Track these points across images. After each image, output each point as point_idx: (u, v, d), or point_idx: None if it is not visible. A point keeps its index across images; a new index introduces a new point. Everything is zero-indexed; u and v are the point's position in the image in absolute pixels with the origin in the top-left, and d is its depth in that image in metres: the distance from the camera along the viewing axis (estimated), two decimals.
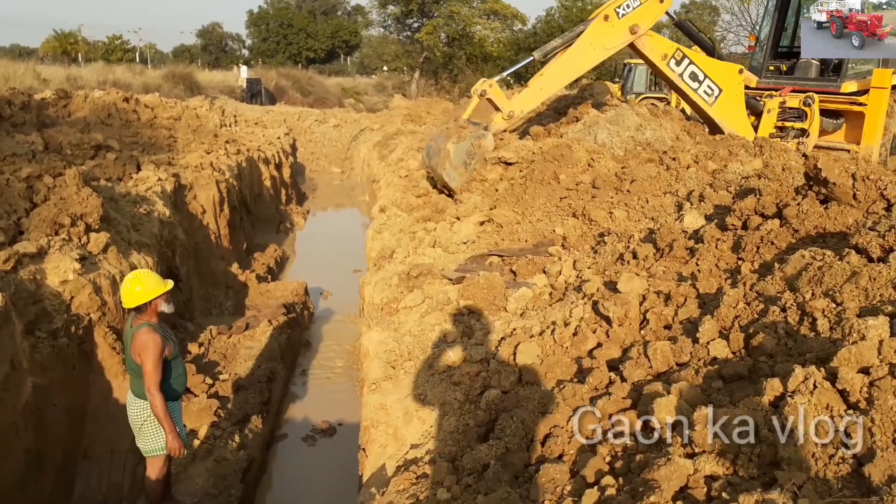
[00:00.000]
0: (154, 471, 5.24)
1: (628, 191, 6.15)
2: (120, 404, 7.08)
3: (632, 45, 9.25)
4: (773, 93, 10.76)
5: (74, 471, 6.72)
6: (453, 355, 4.24)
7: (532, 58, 9.33)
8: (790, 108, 10.62)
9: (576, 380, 3.68)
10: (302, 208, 19.77)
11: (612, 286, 4.60)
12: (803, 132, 10.46)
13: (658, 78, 32.77)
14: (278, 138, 20.64)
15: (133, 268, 7.98)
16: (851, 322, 2.83)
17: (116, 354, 7.10)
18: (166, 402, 4.97)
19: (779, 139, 9.80)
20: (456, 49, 38.82)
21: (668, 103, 15.08)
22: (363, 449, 4.64)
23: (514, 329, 4.51)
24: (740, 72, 9.70)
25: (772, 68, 11.53)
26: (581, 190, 6.61)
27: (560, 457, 3.16)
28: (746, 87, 11.16)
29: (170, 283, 5.05)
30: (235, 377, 8.00)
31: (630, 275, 4.28)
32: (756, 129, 10.07)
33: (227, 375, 8.05)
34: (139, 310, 4.97)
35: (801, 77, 11.13)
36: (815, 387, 2.47)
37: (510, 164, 8.96)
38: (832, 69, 11.02)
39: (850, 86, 10.45)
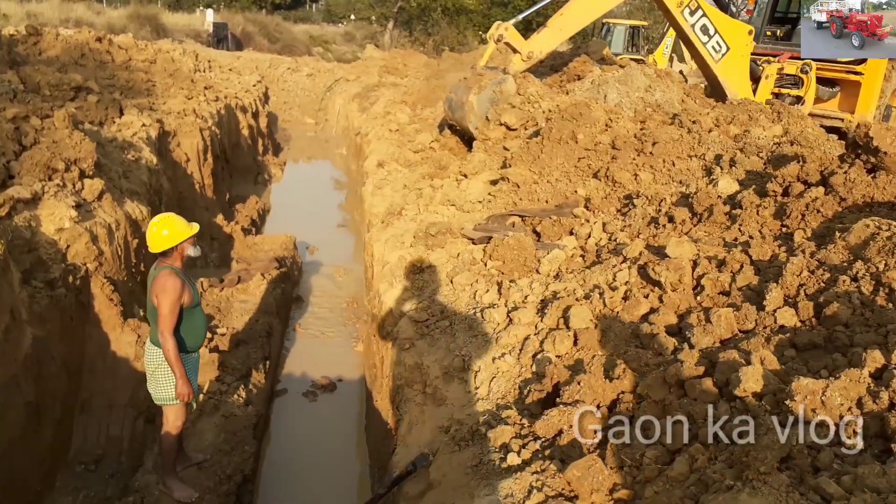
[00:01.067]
0: (169, 423, 5.08)
1: (651, 153, 6.07)
2: (118, 357, 6.88)
3: None
4: (771, 58, 10.75)
5: (72, 424, 6.54)
6: (498, 316, 4.15)
7: None
8: (787, 75, 10.63)
9: (633, 345, 3.64)
10: (278, 159, 19.30)
11: (654, 250, 4.55)
12: (799, 99, 10.50)
13: (635, 40, 32.66)
14: (254, 86, 20.00)
15: (129, 217, 7.68)
16: None
17: (114, 306, 6.86)
18: (182, 352, 4.82)
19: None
20: (431, 1, 37.94)
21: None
22: (396, 407, 4.55)
23: (555, 292, 4.44)
24: (749, 33, 9.65)
25: (769, 34, 11.51)
26: (600, 150, 6.51)
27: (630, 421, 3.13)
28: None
29: (196, 227, 4.84)
30: (233, 331, 7.80)
31: (679, 239, 4.22)
32: (753, 93, 10.07)
33: (224, 329, 7.84)
34: (165, 254, 4.76)
35: (800, 43, 11.11)
36: None
37: (512, 129, 8.82)
38: None
39: None
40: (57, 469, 6.19)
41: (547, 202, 6.13)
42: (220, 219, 11.60)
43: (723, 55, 9.19)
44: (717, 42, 9.07)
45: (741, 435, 2.62)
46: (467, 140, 9.01)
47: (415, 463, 3.63)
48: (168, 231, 4.70)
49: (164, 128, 11.02)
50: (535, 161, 6.57)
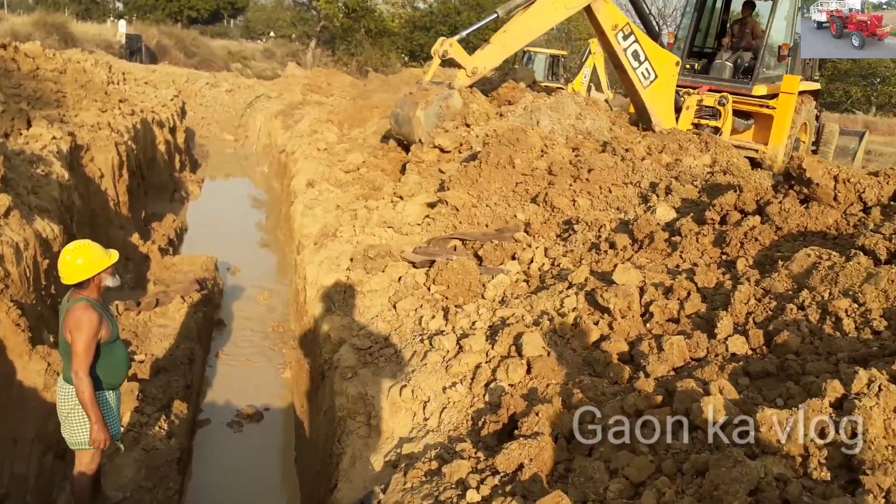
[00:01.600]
0: (83, 465, 4.70)
1: (587, 179, 6.14)
2: (25, 387, 6.36)
3: (587, 9, 9.34)
4: (690, 90, 11.19)
5: None
6: (447, 343, 4.05)
7: (495, 15, 9.29)
8: (706, 106, 11.08)
9: (587, 372, 3.60)
10: (196, 176, 18.63)
11: (599, 276, 4.56)
12: (717, 130, 10.95)
13: (555, 69, 33.56)
14: (171, 100, 19.31)
15: (39, 236, 7.16)
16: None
17: (21, 331, 6.35)
18: (99, 390, 4.46)
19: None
20: (355, 21, 37.85)
21: None
22: (337, 440, 4.35)
23: (504, 318, 4.37)
24: (676, 64, 10.01)
25: (688, 66, 11.99)
26: (537, 176, 6.55)
27: (589, 454, 3.07)
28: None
29: (115, 255, 4.51)
30: (153, 358, 7.37)
31: (624, 266, 4.24)
32: (676, 122, 10.45)
33: (142, 356, 7.40)
34: (80, 285, 4.41)
35: (716, 77, 11.64)
36: (880, 389, 2.50)
37: (446, 151, 8.81)
38: (743, 72, 11.61)
39: (760, 89, 11.05)
40: None
41: (487, 226, 6.10)
42: (135, 238, 11.03)
43: (651, 82, 9.51)
44: (647, 69, 9.39)
45: (707, 466, 2.60)
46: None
47: (363, 501, 3.45)
48: (83, 260, 4.36)
49: (77, 141, 10.41)
50: (474, 185, 6.54)
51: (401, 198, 7.60)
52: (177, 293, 9.25)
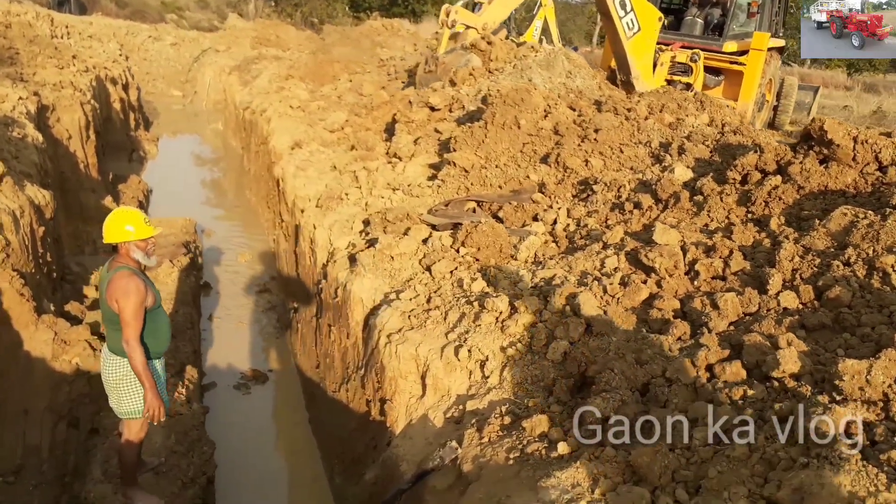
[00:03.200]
0: (132, 433, 4.70)
1: (595, 139, 6.28)
2: (33, 358, 6.25)
3: None
4: (663, 46, 11.39)
5: None
6: (501, 304, 4.18)
7: None
8: (678, 63, 11.32)
9: (644, 330, 3.81)
10: (150, 135, 18.03)
11: (634, 237, 4.75)
12: (689, 87, 11.22)
13: (506, 21, 33.27)
14: (120, 55, 18.49)
15: (32, 202, 6.91)
16: None
17: (25, 301, 6.21)
18: (147, 359, 4.46)
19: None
20: None
21: None
22: (388, 399, 4.48)
23: (545, 279, 4.53)
24: (659, 19, 10.18)
25: None
26: (543, 136, 6.65)
27: (664, 406, 3.29)
28: None
29: (151, 230, 4.45)
30: None
31: (664, 226, 4.44)
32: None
33: None
34: (118, 251, 4.36)
35: (687, 34, 11.87)
36: None
37: (436, 109, 8.81)
38: (713, 28, 11.87)
39: (731, 46, 11.34)
40: None
41: (500, 187, 6.20)
42: (108, 200, 10.71)
43: (634, 33, 9.66)
44: (631, 20, 9.54)
45: (793, 413, 2.84)
46: None
47: (441, 456, 3.60)
48: (133, 227, 4.31)
49: (41, 101, 9.95)
50: (481, 145, 6.61)
51: (399, 158, 7.60)
52: (163, 257, 9.08)
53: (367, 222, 6.32)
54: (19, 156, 7.63)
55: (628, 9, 9.51)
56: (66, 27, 19.02)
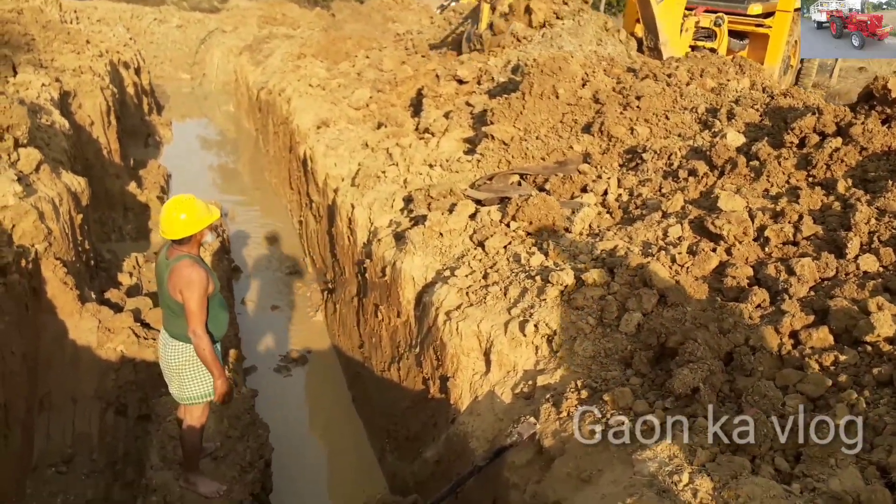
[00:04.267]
0: (194, 418, 4.68)
1: (638, 107, 6.16)
2: (79, 346, 6.25)
3: None
4: (687, 12, 11.18)
5: (33, 424, 5.93)
6: (566, 278, 4.11)
7: None
8: (702, 28, 11.13)
9: (720, 298, 3.74)
10: (163, 119, 17.93)
11: (695, 204, 4.67)
12: (713, 51, 11.02)
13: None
14: (130, 39, 18.33)
15: (69, 189, 6.86)
16: None
17: (69, 290, 6.20)
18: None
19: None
20: None
21: None
22: (451, 377, 4.44)
23: (605, 250, 4.46)
24: None
25: None
26: (583, 105, 6.54)
27: (749, 374, 3.23)
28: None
29: (217, 212, 4.40)
30: None
31: (729, 192, 4.35)
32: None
33: None
34: (180, 241, 4.31)
35: None
36: None
37: (464, 82, 8.69)
38: None
39: (756, 8, 11.13)
40: (24, 475, 5.61)
41: (543, 159, 6.11)
42: (133, 186, 10.67)
43: None
44: None
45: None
46: None
47: (520, 432, 3.56)
48: (188, 215, 4.24)
49: (63, 87, 9.85)
50: (519, 117, 6.50)
51: (432, 134, 7.50)
52: None
53: (408, 199, 6.25)
54: (51, 143, 7.56)
55: None
56: (75, 12, 18.84)
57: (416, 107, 9.41)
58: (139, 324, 6.54)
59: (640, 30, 10.78)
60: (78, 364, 6.23)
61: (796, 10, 11.78)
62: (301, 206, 10.34)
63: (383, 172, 6.73)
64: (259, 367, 7.46)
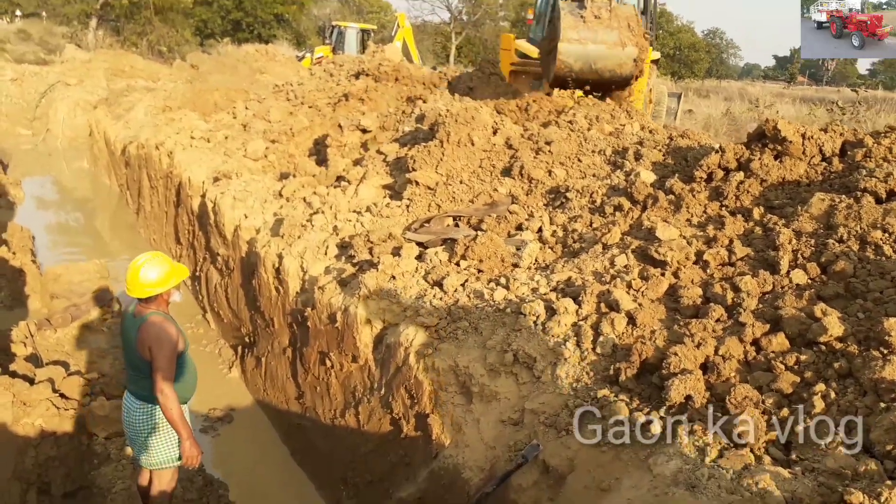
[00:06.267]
0: (163, 483, 4.51)
1: (550, 151, 6.71)
2: None
3: None
4: None
5: None
6: (539, 308, 4.43)
7: None
8: None
9: (681, 316, 4.21)
10: (11, 178, 16.57)
11: (631, 235, 5.18)
12: (586, 94, 12.05)
13: (365, 43, 33.54)
14: None
15: None
16: None
17: None
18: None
19: None
20: None
21: None
22: (430, 413, 4.58)
23: (560, 281, 4.84)
24: None
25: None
26: (497, 151, 6.99)
27: (726, 380, 3.68)
28: (528, 58, 12.52)
29: (186, 271, 4.33)
30: (111, 377, 6.85)
31: (665, 224, 4.89)
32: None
33: (94, 374, 6.85)
34: (148, 299, 4.20)
35: None
36: None
37: (367, 131, 8.95)
38: None
39: None
40: None
41: (472, 201, 6.46)
42: (3, 251, 9.82)
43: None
44: None
45: (859, 369, 3.32)
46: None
47: (525, 455, 3.79)
48: (157, 275, 4.17)
49: None
50: (440, 164, 6.84)
51: (348, 182, 7.65)
52: (89, 305, 8.50)
53: (343, 246, 6.35)
54: None
55: None
56: None
57: (317, 156, 9.53)
58: (57, 394, 6.10)
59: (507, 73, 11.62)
60: None
61: (653, 61, 13.17)
62: (196, 261, 10.01)
63: (309, 221, 6.78)
64: None
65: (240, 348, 8.24)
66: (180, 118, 13.04)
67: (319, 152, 9.42)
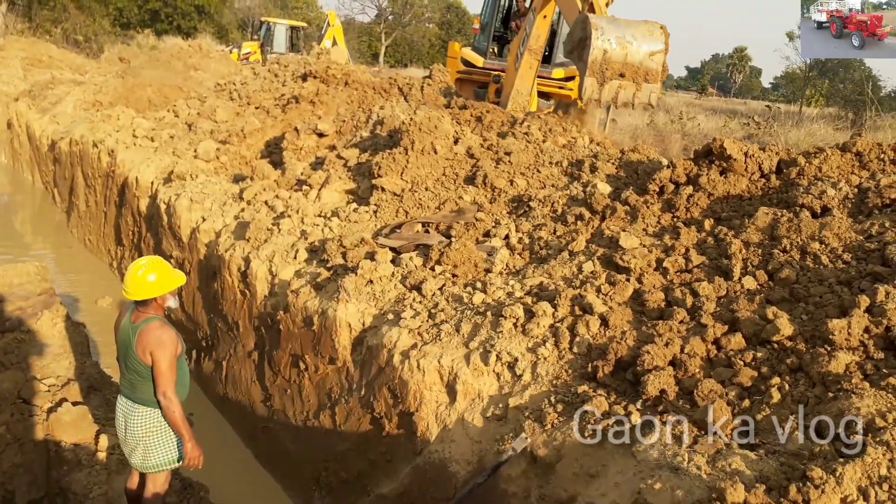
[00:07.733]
0: (157, 486, 4.61)
1: (510, 162, 7.09)
2: None
3: None
4: (501, 73, 12.59)
5: None
6: (518, 311, 4.78)
7: None
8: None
9: (647, 318, 4.65)
10: None
11: (594, 243, 5.60)
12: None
13: (295, 40, 33.20)
14: None
15: None
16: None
17: None
18: None
19: None
20: None
21: None
22: (414, 411, 4.86)
23: (533, 286, 5.21)
24: None
25: (492, 51, 13.41)
26: (460, 160, 7.31)
27: (691, 376, 4.13)
28: (473, 66, 12.91)
29: (182, 276, 4.45)
30: (65, 380, 6.76)
31: (627, 233, 5.34)
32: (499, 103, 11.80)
33: (54, 380, 6.75)
34: (145, 303, 4.31)
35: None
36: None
37: (324, 135, 9.12)
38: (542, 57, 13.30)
39: (559, 72, 12.87)
40: None
41: (439, 208, 6.75)
42: None
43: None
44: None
45: (810, 363, 3.82)
46: None
47: (514, 447, 4.12)
48: (157, 277, 4.29)
49: None
50: (405, 171, 7.10)
51: (310, 186, 7.81)
52: (35, 307, 8.29)
53: (313, 250, 6.53)
54: None
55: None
56: None
57: (270, 158, 9.59)
58: (21, 400, 6.03)
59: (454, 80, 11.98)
60: None
61: None
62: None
63: (276, 225, 6.92)
64: None
65: (194, 352, 8.24)
66: (118, 115, 12.76)
67: (272, 154, 9.50)
